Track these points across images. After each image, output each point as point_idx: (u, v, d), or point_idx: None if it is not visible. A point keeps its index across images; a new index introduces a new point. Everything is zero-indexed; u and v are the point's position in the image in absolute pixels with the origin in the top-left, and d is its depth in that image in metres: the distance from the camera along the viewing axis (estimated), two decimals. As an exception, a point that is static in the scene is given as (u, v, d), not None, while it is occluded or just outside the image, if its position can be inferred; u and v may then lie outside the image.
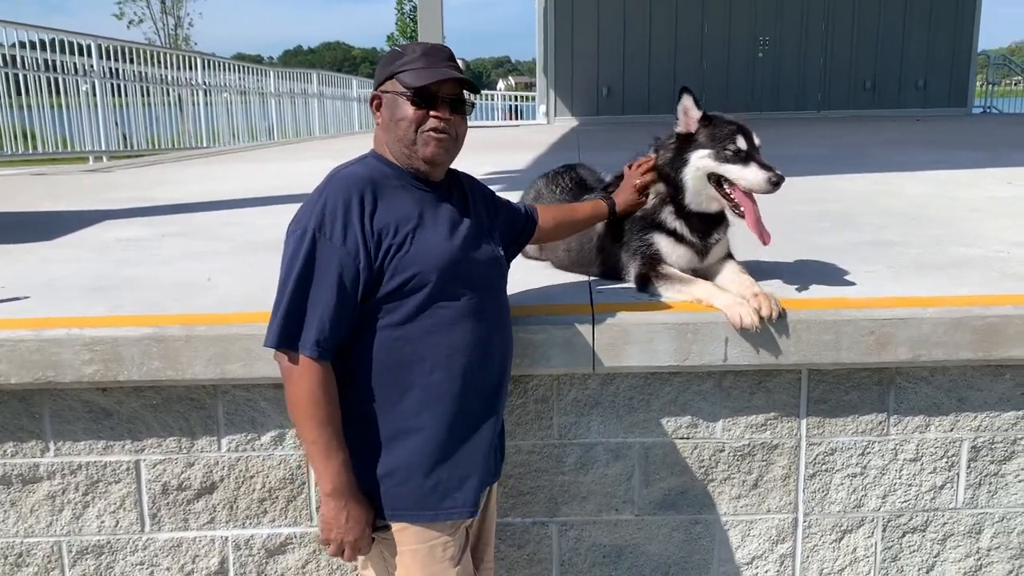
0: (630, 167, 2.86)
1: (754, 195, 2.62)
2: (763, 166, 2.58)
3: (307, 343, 1.94)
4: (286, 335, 1.96)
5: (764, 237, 2.63)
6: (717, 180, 2.66)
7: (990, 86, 18.25)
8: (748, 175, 2.58)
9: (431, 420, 2.06)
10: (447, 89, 2.05)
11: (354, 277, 1.96)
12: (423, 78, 2.02)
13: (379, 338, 2.03)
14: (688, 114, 2.68)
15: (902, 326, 2.64)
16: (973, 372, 2.78)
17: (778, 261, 3.33)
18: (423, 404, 2.05)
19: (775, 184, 2.54)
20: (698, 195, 2.72)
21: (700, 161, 2.65)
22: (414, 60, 2.06)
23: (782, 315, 2.61)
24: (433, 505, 2.07)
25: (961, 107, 15.66)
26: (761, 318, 2.56)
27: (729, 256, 2.92)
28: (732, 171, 2.61)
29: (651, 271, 2.78)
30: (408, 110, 2.04)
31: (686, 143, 2.69)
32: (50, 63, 9.97)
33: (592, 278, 3.05)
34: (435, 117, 2.03)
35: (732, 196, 2.65)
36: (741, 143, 2.61)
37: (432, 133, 2.04)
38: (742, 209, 2.63)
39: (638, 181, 2.80)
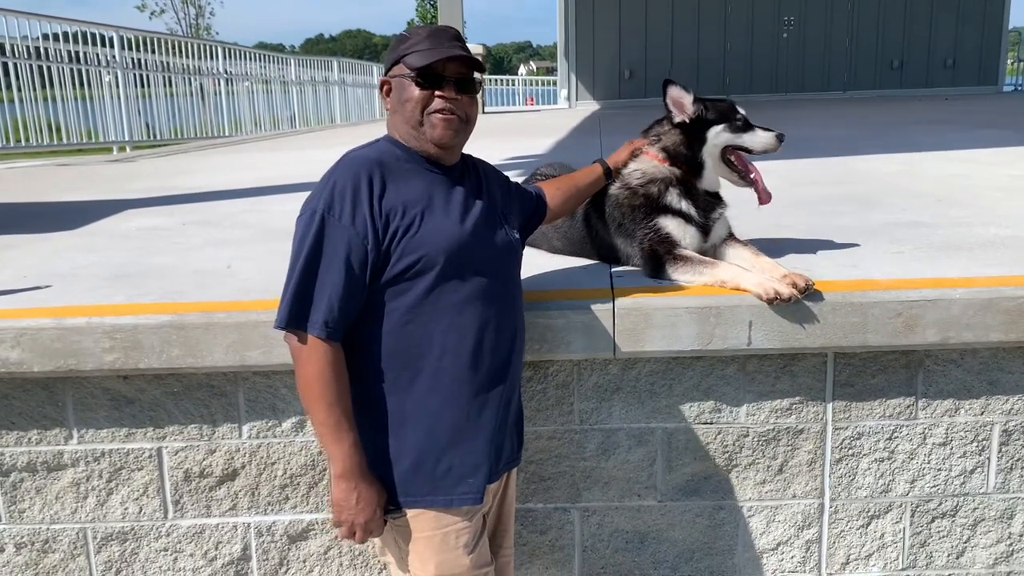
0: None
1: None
2: (766, 129, 2.80)
3: (316, 323, 1.94)
4: (295, 316, 1.95)
5: (768, 198, 2.80)
6: (724, 153, 2.80)
7: (1022, 64, 17.88)
8: (760, 139, 2.78)
9: (442, 404, 2.04)
10: (453, 69, 2.03)
11: (362, 258, 1.95)
12: (427, 58, 2.00)
13: (388, 322, 2.01)
14: (681, 101, 2.80)
15: (931, 308, 2.58)
16: (1004, 354, 2.71)
17: (803, 242, 3.28)
18: (433, 388, 2.03)
19: (781, 140, 2.77)
20: (713, 172, 2.82)
21: (718, 137, 2.77)
22: (419, 42, 2.04)
23: (815, 290, 2.58)
24: (447, 490, 2.06)
25: (992, 86, 15.38)
26: (801, 290, 2.53)
27: (733, 237, 2.89)
28: (746, 139, 2.78)
29: (666, 254, 2.73)
30: (414, 91, 2.02)
31: (696, 125, 2.78)
32: (74, 55, 10.04)
33: (612, 263, 3.01)
34: (441, 97, 2.02)
35: (738, 166, 2.81)
36: (742, 112, 2.80)
37: (439, 115, 2.02)
38: (752, 175, 2.80)
39: (633, 144, 2.88)
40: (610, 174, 2.81)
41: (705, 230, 2.80)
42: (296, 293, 1.95)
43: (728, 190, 2.89)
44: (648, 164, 2.81)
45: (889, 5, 15.09)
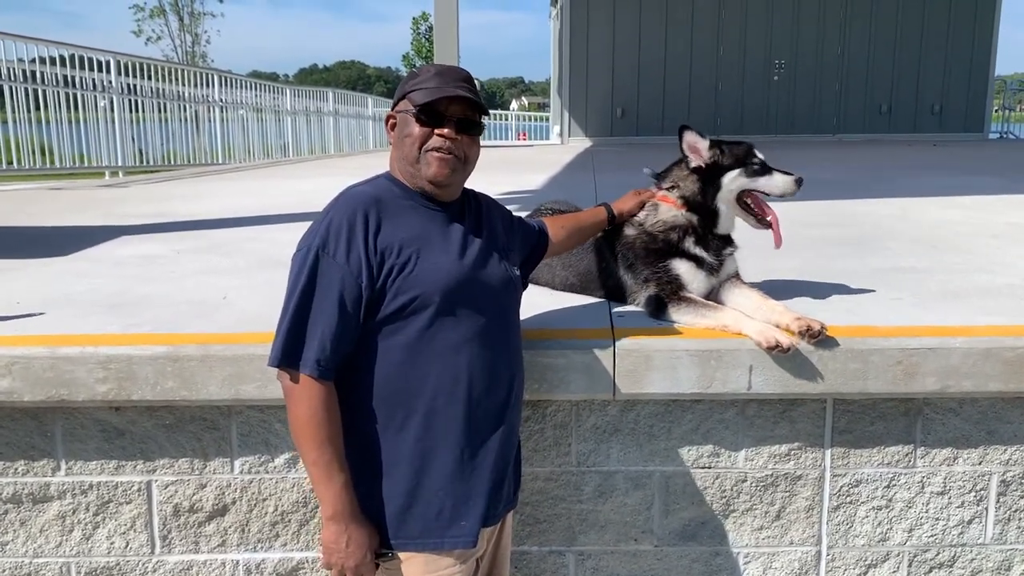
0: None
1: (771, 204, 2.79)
2: (784, 172, 2.76)
3: (307, 362, 1.92)
4: (287, 354, 1.93)
5: (781, 240, 2.78)
6: (740, 196, 2.78)
7: (1007, 111, 18.18)
8: (777, 182, 2.75)
9: (435, 446, 2.01)
10: (455, 109, 2.03)
11: (356, 296, 1.93)
12: (430, 95, 2.01)
13: (383, 360, 1.99)
14: (696, 146, 2.79)
15: (931, 356, 2.58)
16: (1003, 404, 2.71)
17: (800, 287, 3.28)
18: (427, 429, 2.00)
19: (799, 184, 2.73)
20: (728, 217, 2.80)
21: (733, 182, 2.76)
22: (427, 80, 2.05)
23: (828, 336, 2.57)
24: (438, 533, 2.02)
25: (978, 132, 15.61)
26: (815, 335, 2.52)
27: (740, 279, 2.89)
28: (762, 183, 2.76)
29: (671, 296, 2.73)
30: (414, 128, 2.02)
31: (711, 170, 2.77)
32: (68, 79, 10.05)
33: (612, 302, 3.00)
34: (439, 135, 2.01)
35: (755, 209, 2.79)
36: (760, 156, 2.78)
37: (434, 153, 2.02)
38: (769, 219, 2.78)
39: (641, 196, 2.88)
40: (613, 219, 2.83)
41: (715, 270, 2.81)
42: (289, 331, 1.93)
43: (739, 231, 2.90)
44: (667, 212, 2.81)
45: (878, 50, 15.33)
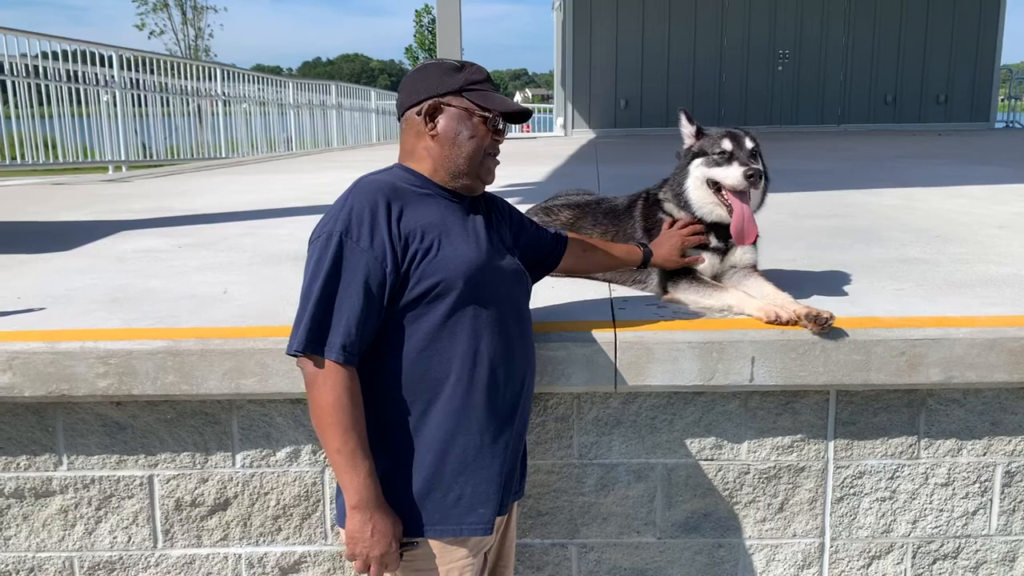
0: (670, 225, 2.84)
1: (745, 196, 2.66)
2: (741, 164, 2.63)
3: (333, 347, 1.89)
4: (311, 340, 1.90)
5: (741, 237, 2.65)
6: (716, 185, 2.70)
7: (1013, 100, 18.08)
8: (729, 173, 2.65)
9: (455, 432, 2.01)
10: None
11: (380, 281, 1.93)
12: (506, 105, 2.10)
13: (405, 347, 1.98)
14: (685, 132, 2.83)
15: (934, 347, 2.56)
16: (1008, 395, 2.69)
17: (803, 278, 3.26)
18: (447, 415, 2.00)
19: (748, 178, 2.59)
20: (702, 203, 2.76)
21: (697, 170, 2.75)
22: (481, 82, 2.10)
23: (835, 328, 2.56)
24: (457, 519, 2.02)
25: (983, 121, 15.53)
26: (822, 324, 2.51)
27: (756, 270, 2.88)
28: (718, 173, 2.68)
29: (679, 276, 2.78)
30: (481, 129, 2.07)
31: (686, 156, 2.81)
32: (72, 73, 10.04)
33: (613, 295, 2.99)
34: (496, 140, 2.12)
35: (727, 199, 2.68)
36: (727, 145, 2.69)
37: (492, 158, 2.13)
38: (732, 211, 2.66)
39: (682, 241, 2.76)
40: (647, 263, 2.78)
41: (721, 253, 2.82)
42: (313, 316, 1.91)
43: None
44: None
45: (883, 40, 15.26)
